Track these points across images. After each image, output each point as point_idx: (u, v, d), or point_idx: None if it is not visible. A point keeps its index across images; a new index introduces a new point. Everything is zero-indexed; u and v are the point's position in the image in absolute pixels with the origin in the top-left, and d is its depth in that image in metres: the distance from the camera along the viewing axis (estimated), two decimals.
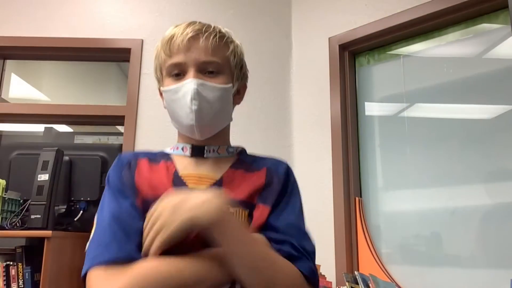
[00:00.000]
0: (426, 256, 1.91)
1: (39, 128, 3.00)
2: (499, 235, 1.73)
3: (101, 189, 2.01)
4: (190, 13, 2.50)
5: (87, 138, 2.82)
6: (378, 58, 2.25)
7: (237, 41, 0.96)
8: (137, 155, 0.92)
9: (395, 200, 2.06)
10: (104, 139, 2.82)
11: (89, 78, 3.95)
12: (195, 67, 0.86)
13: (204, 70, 0.87)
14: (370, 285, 1.72)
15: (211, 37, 0.87)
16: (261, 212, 0.85)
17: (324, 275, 1.91)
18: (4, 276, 1.68)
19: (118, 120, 2.41)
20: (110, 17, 2.48)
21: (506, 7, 1.75)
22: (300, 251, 0.82)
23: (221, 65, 0.89)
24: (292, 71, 2.49)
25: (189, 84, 0.85)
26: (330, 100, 2.25)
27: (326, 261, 2.05)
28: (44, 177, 1.71)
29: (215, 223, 0.72)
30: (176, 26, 0.89)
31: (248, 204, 0.85)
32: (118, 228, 0.77)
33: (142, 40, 2.44)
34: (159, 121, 2.31)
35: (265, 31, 2.52)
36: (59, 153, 1.77)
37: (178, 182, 0.87)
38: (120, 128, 2.59)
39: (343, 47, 2.30)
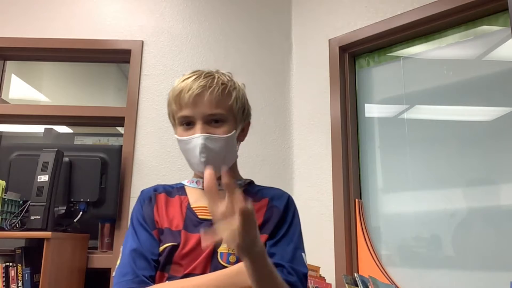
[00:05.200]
0: (426, 258, 1.91)
1: (39, 129, 3.00)
2: (498, 237, 1.73)
3: (101, 190, 2.01)
4: (190, 15, 2.50)
5: (87, 139, 2.81)
6: (378, 60, 2.25)
7: (239, 84, 1.08)
8: (157, 190, 1.08)
9: (395, 202, 2.06)
10: (104, 140, 2.82)
11: (89, 79, 3.96)
12: (202, 120, 0.99)
13: (210, 121, 1.00)
14: (370, 287, 1.72)
15: (215, 92, 1.00)
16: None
17: (323, 277, 1.91)
18: (3, 277, 1.68)
19: (118, 121, 2.42)
20: (111, 18, 2.48)
21: (506, 9, 1.75)
22: (294, 274, 0.92)
23: (225, 114, 1.01)
24: (292, 72, 2.49)
25: (197, 139, 0.98)
26: (330, 102, 2.26)
27: (326, 262, 2.05)
28: (44, 178, 1.71)
29: (261, 253, 0.81)
30: (184, 80, 1.02)
31: None
32: (137, 258, 0.94)
33: (143, 42, 2.44)
34: (159, 122, 2.31)
35: (265, 33, 2.52)
36: (59, 154, 1.78)
37: (190, 213, 1.01)
38: (120, 130, 2.59)
39: (343, 49, 2.30)
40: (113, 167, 2.09)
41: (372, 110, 2.24)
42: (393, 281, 1.94)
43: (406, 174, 2.03)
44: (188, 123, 1.01)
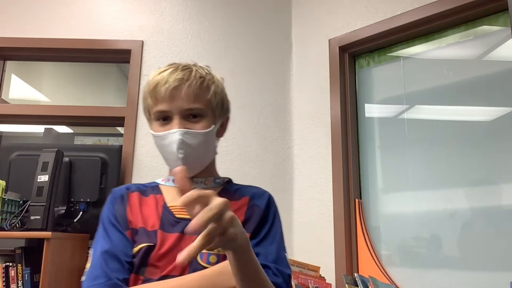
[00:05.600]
0: (426, 258, 1.91)
1: (39, 129, 3.00)
2: (499, 237, 1.73)
3: (101, 190, 2.01)
4: (190, 14, 2.51)
5: (87, 139, 2.81)
6: (378, 60, 2.25)
7: (217, 78, 1.03)
8: (129, 189, 1.02)
9: (395, 202, 2.06)
10: (104, 140, 2.82)
11: (89, 79, 3.96)
12: (179, 114, 0.94)
13: (188, 116, 0.96)
14: (370, 287, 1.72)
15: (193, 85, 0.95)
16: None
17: (323, 277, 1.91)
18: (3, 277, 1.68)
19: (118, 121, 2.42)
20: (111, 18, 2.49)
21: (506, 9, 1.75)
22: (279, 275, 0.88)
23: (203, 109, 0.97)
24: (292, 72, 2.50)
25: (175, 135, 0.93)
26: (330, 102, 2.26)
27: (326, 262, 2.05)
28: (44, 178, 1.71)
29: (249, 245, 0.76)
30: (160, 73, 0.97)
31: None
32: (109, 259, 0.87)
33: (143, 42, 2.44)
34: None
35: (265, 33, 2.52)
36: (59, 154, 1.77)
37: (166, 213, 0.96)
38: (120, 129, 2.59)
39: (343, 49, 2.30)
40: (113, 167, 2.09)
41: (372, 110, 2.24)
42: (393, 281, 1.94)
43: (406, 174, 2.03)
44: (164, 118, 0.96)
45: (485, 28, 1.90)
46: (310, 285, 1.75)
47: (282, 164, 2.35)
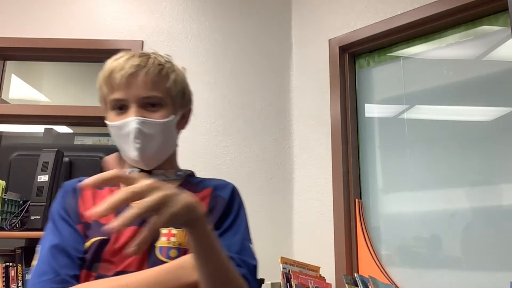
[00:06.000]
0: (426, 258, 1.91)
1: (39, 129, 3.00)
2: (499, 237, 1.73)
3: None
4: (190, 14, 2.50)
5: (87, 139, 2.81)
6: (378, 60, 2.25)
7: (178, 67, 0.97)
8: (82, 181, 0.96)
9: (395, 202, 2.06)
10: (104, 140, 2.82)
11: (89, 79, 3.94)
12: (136, 103, 0.89)
13: (146, 104, 0.90)
14: (370, 287, 1.72)
15: (151, 72, 0.89)
16: None
17: (323, 277, 1.91)
18: (3, 277, 1.68)
19: None
20: (111, 18, 2.48)
21: (506, 9, 1.75)
22: (243, 266, 0.83)
23: (162, 97, 0.91)
24: (292, 72, 2.49)
25: (131, 123, 0.88)
26: (330, 102, 2.26)
27: (326, 263, 2.05)
28: (44, 178, 1.71)
29: (204, 219, 0.69)
30: (116, 60, 0.91)
31: None
32: (58, 254, 0.81)
33: (143, 42, 2.44)
34: None
35: (265, 33, 2.52)
36: (59, 154, 1.77)
37: None
38: None
39: (343, 49, 2.30)
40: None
41: (372, 110, 2.24)
42: (393, 281, 1.94)
43: (406, 174, 2.03)
44: (120, 107, 0.90)
45: (485, 28, 1.90)
46: (310, 285, 1.75)
47: (282, 164, 2.35)
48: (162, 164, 0.96)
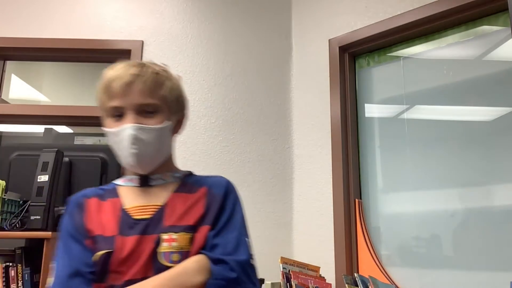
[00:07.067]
0: (426, 258, 1.91)
1: (39, 129, 3.00)
2: (499, 237, 1.73)
3: None
4: (190, 14, 2.50)
5: (87, 139, 2.82)
6: (378, 60, 2.25)
7: (173, 75, 1.02)
8: (86, 195, 1.01)
9: (395, 202, 2.06)
10: (104, 140, 2.82)
11: (89, 79, 3.95)
12: (133, 110, 0.93)
13: (142, 111, 0.94)
14: (370, 287, 1.72)
15: (147, 80, 0.94)
16: (203, 233, 0.92)
17: (323, 277, 1.91)
18: (3, 277, 1.68)
19: None
20: (111, 18, 2.49)
21: (506, 9, 1.75)
22: (235, 270, 0.88)
23: (158, 104, 0.95)
24: (292, 72, 2.49)
25: (128, 130, 0.92)
26: (330, 102, 2.26)
27: (326, 263, 2.05)
28: (44, 178, 1.71)
29: None
30: (113, 69, 0.96)
31: (192, 227, 0.93)
32: (71, 276, 0.87)
33: (143, 42, 2.44)
34: None
35: (265, 33, 2.52)
36: (59, 154, 1.77)
37: (124, 216, 0.95)
38: None
39: (343, 49, 2.30)
40: (113, 167, 2.08)
41: (372, 110, 2.24)
42: (393, 281, 1.94)
43: (406, 174, 2.03)
44: (118, 114, 0.95)
45: (485, 28, 1.90)
46: (310, 285, 1.75)
47: (282, 164, 2.35)
48: (159, 168, 1.00)
